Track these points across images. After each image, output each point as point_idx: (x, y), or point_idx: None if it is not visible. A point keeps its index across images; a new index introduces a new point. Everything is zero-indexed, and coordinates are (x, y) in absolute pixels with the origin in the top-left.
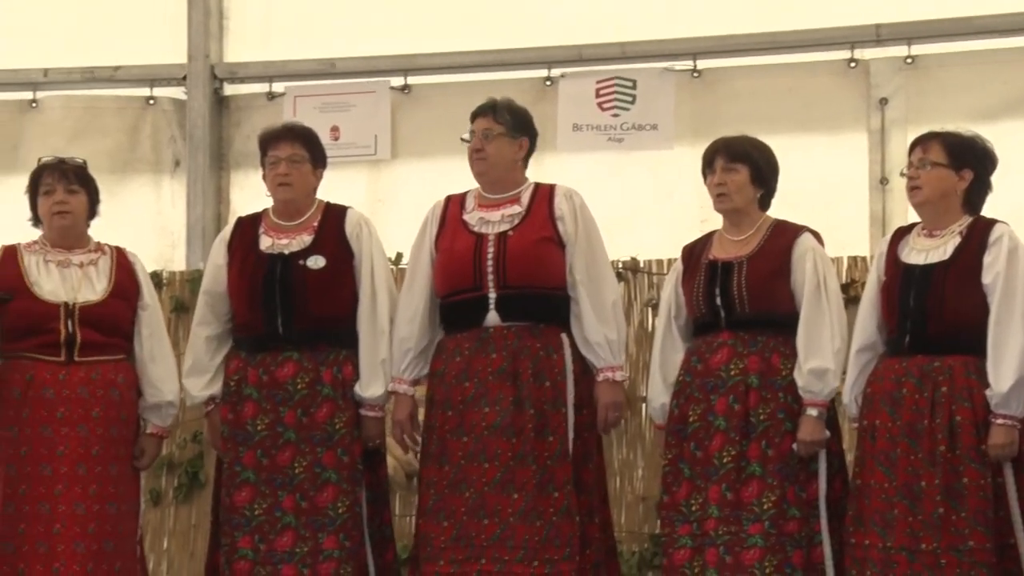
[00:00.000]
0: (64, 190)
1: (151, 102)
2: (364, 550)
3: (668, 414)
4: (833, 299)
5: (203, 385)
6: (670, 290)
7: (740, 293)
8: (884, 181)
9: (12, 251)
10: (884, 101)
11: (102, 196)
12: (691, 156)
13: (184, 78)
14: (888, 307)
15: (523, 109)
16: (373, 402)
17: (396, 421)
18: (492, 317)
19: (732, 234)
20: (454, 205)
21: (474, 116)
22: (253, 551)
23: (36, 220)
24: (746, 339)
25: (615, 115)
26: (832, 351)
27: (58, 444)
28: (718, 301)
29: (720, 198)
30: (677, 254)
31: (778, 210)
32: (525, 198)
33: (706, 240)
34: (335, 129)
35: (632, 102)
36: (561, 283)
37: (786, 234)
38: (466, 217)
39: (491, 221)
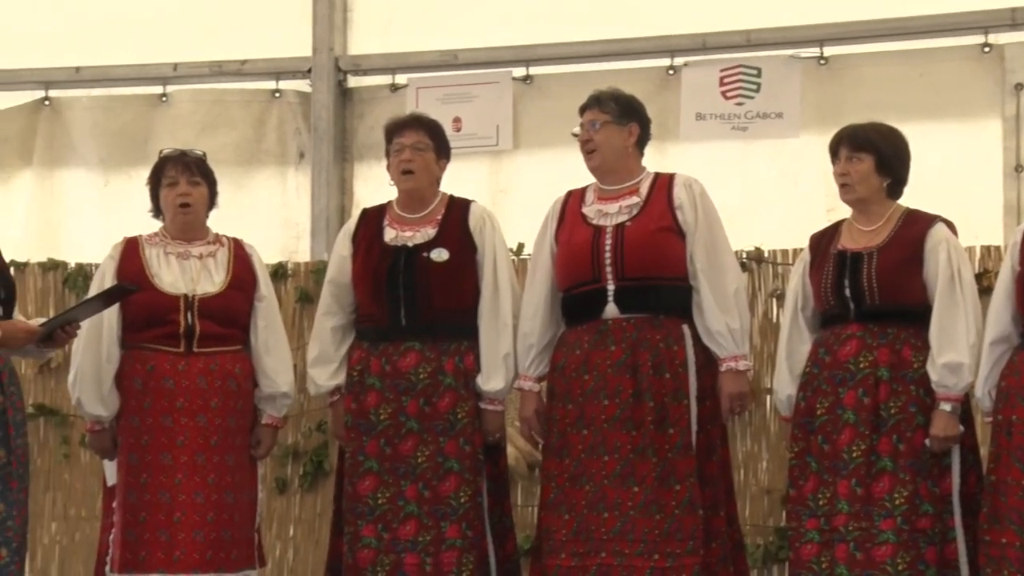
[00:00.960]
0: (187, 182)
1: (277, 95)
2: (485, 540)
3: (794, 406)
4: (968, 291)
5: (329, 375)
6: (797, 281)
7: (870, 284)
8: (1019, 168)
9: (134, 243)
10: (1020, 87)
11: (229, 188)
12: (817, 144)
13: (309, 71)
14: None
15: (630, 96)
16: (494, 395)
17: (523, 418)
18: (611, 309)
19: (862, 224)
20: (574, 199)
21: (581, 111)
22: (377, 539)
23: (157, 211)
24: (876, 331)
25: (739, 104)
26: (967, 344)
27: (178, 434)
28: (847, 292)
29: (844, 188)
30: (802, 244)
31: (909, 199)
32: (644, 188)
33: (834, 230)
34: (457, 120)
35: (757, 90)
36: (681, 273)
37: (918, 224)
38: (585, 210)
39: (609, 213)
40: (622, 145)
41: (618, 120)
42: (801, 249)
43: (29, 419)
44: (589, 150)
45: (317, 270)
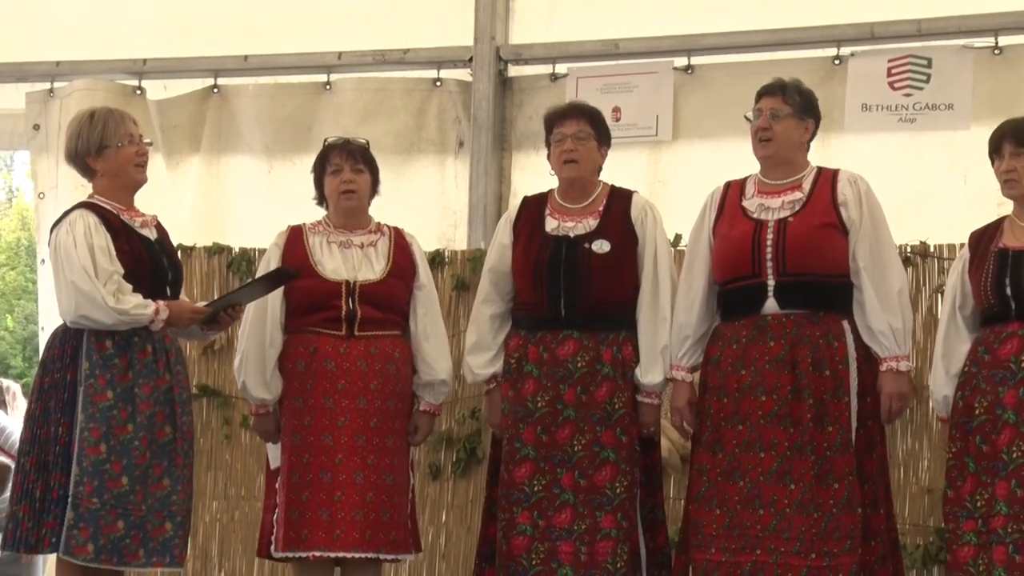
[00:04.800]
0: (351, 169)
1: (438, 84)
2: (637, 532)
3: (952, 406)
4: None
5: (486, 362)
6: (955, 279)
7: None
8: None
9: (298, 231)
10: None
11: (389, 176)
12: (988, 137)
13: (470, 60)
14: None
15: (809, 91)
16: (651, 388)
17: (675, 408)
18: (770, 304)
19: None
20: (733, 191)
21: (760, 95)
22: (532, 527)
23: (321, 199)
24: None
25: (907, 95)
26: None
27: (339, 415)
28: (1008, 291)
29: (1008, 184)
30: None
31: None
32: (807, 184)
33: (996, 227)
34: (616, 110)
35: (926, 81)
36: (843, 270)
37: None
38: (745, 203)
39: (771, 207)
40: (799, 140)
41: (799, 114)
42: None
43: (193, 399)
44: (765, 139)
45: (474, 258)
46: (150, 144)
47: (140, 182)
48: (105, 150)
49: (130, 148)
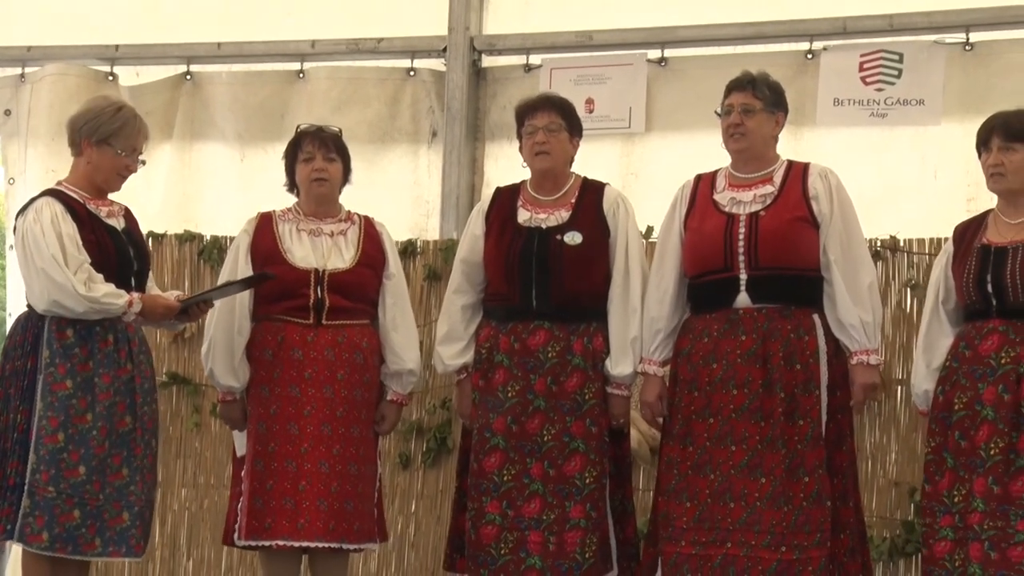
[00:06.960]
0: (323, 157)
1: (411, 73)
2: (607, 523)
3: (932, 401)
4: None
5: (457, 353)
6: (939, 273)
7: (1013, 280)
8: None
9: (268, 218)
10: None
11: (362, 165)
12: (959, 132)
13: (444, 50)
14: None
15: (777, 83)
16: (621, 380)
17: (645, 403)
18: (742, 299)
19: (1009, 216)
20: (704, 184)
21: (729, 90)
22: (501, 516)
23: (291, 185)
24: (1019, 327)
25: (879, 89)
26: None
27: (305, 404)
28: (989, 288)
29: (995, 178)
30: (939, 233)
31: None
32: (778, 177)
33: (980, 222)
34: (590, 101)
35: (898, 76)
36: (814, 264)
37: None
38: (716, 197)
39: (743, 201)
40: (770, 134)
41: (770, 108)
42: (938, 239)
43: (162, 387)
44: (738, 133)
45: (446, 248)
46: (143, 164)
47: (112, 190)
48: (106, 146)
49: (125, 159)
